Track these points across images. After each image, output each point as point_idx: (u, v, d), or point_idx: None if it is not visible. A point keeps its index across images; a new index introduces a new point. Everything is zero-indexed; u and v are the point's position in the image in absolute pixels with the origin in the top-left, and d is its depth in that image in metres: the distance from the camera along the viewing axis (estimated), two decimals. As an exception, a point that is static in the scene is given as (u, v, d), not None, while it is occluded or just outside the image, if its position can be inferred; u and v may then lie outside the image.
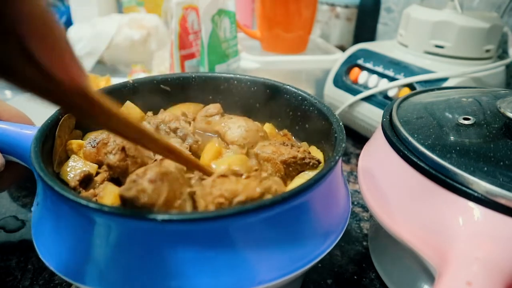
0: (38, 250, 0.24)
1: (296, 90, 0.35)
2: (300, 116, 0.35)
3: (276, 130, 0.37)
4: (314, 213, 0.24)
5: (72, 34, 0.76)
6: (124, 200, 0.21)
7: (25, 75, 0.13)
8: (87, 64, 0.74)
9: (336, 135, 0.28)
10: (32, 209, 0.27)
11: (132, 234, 0.20)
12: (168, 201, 0.22)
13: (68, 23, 0.86)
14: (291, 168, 0.30)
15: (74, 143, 0.30)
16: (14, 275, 0.33)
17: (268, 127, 0.36)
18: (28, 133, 0.28)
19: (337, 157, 0.25)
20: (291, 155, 0.29)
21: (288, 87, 0.35)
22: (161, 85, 0.37)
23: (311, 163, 0.30)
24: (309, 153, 0.31)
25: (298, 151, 0.30)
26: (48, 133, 0.27)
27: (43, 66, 0.13)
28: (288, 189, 0.22)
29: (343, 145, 0.26)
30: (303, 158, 0.30)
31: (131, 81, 0.36)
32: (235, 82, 0.37)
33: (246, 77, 0.37)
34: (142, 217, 0.20)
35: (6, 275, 0.33)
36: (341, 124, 0.29)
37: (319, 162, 0.30)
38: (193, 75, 0.38)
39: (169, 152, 0.23)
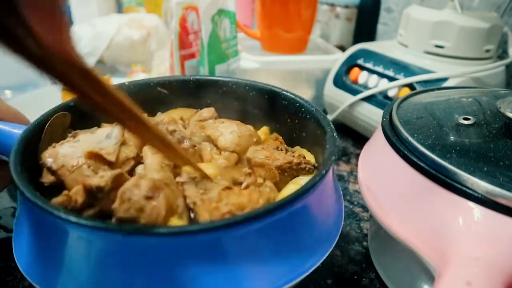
0: (19, 263, 0.23)
1: (293, 96, 0.34)
2: (296, 123, 0.34)
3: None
4: (307, 222, 0.23)
5: (72, 34, 0.76)
6: (121, 220, 0.20)
7: (20, 41, 0.14)
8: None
9: (328, 146, 0.27)
10: (14, 221, 0.26)
11: (119, 248, 0.19)
12: (166, 216, 0.21)
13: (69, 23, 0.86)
14: (286, 173, 0.29)
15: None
16: (14, 275, 0.33)
17: (263, 131, 0.36)
18: (19, 133, 0.28)
19: (327, 167, 0.24)
20: (286, 161, 0.29)
21: (286, 93, 0.34)
22: (158, 88, 0.36)
23: (306, 168, 0.29)
24: (304, 157, 0.30)
25: (293, 156, 0.29)
26: (35, 134, 0.27)
27: (37, 34, 0.14)
28: (281, 197, 0.22)
29: (333, 158, 0.25)
30: (299, 163, 0.29)
31: (126, 83, 0.35)
32: (233, 86, 0.37)
33: (245, 81, 0.36)
34: (130, 232, 0.18)
35: (6, 275, 0.33)
36: (335, 135, 0.28)
37: (315, 167, 0.30)
38: (191, 78, 0.37)
39: (165, 146, 0.22)
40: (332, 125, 0.29)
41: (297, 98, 0.33)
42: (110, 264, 0.19)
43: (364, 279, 0.34)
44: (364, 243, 0.38)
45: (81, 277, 0.20)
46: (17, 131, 0.28)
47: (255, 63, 0.60)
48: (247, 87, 0.36)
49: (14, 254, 0.24)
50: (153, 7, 0.90)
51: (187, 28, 0.54)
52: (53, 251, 0.21)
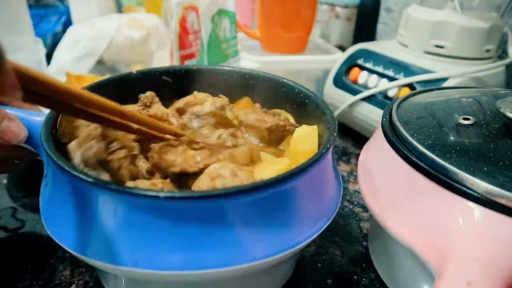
0: (48, 228, 0.25)
1: (292, 84, 0.36)
2: (296, 109, 0.36)
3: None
4: (304, 197, 0.25)
5: (72, 34, 0.76)
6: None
7: None
8: (87, 64, 0.74)
9: (328, 125, 0.30)
10: (41, 190, 0.28)
11: (134, 209, 0.22)
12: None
13: (68, 23, 0.86)
14: (273, 133, 0.34)
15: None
16: (13, 275, 0.33)
17: (246, 100, 0.38)
18: (37, 120, 0.30)
19: (328, 145, 0.26)
20: (274, 123, 0.33)
21: (285, 80, 0.37)
22: (163, 76, 0.38)
23: (290, 130, 0.33)
24: (288, 120, 0.34)
25: (280, 120, 0.34)
26: (55, 118, 0.29)
27: None
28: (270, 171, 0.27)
29: (335, 134, 0.28)
30: (284, 126, 0.33)
31: (134, 72, 0.37)
32: (234, 75, 0.39)
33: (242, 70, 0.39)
34: (145, 194, 0.21)
35: (6, 275, 0.33)
36: (334, 116, 0.30)
37: (296, 127, 0.33)
38: (194, 67, 0.39)
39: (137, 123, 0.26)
40: (330, 107, 0.32)
41: (295, 85, 0.36)
42: (138, 224, 0.22)
43: (364, 279, 0.34)
44: (364, 243, 0.38)
45: (108, 234, 0.22)
46: (34, 118, 0.30)
47: (255, 63, 0.60)
48: (247, 76, 0.38)
49: (44, 221, 0.26)
50: (153, 7, 0.90)
51: (187, 28, 0.54)
52: (91, 217, 0.23)
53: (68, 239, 0.24)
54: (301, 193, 0.24)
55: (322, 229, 0.26)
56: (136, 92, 0.34)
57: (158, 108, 0.33)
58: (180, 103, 0.36)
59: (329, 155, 0.29)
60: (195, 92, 0.37)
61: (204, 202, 0.21)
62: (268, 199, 0.23)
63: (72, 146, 0.27)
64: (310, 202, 0.25)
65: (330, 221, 0.27)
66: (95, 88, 0.33)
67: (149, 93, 0.34)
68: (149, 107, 0.33)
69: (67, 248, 0.24)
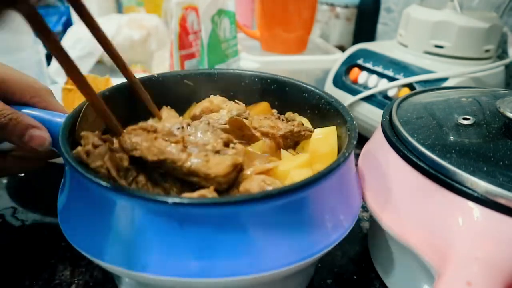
0: (66, 233, 0.25)
1: (313, 89, 0.36)
2: (316, 113, 0.36)
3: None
4: (324, 204, 0.24)
5: (72, 34, 0.76)
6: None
7: None
8: (87, 64, 0.74)
9: (349, 132, 0.29)
10: (59, 194, 0.28)
11: (149, 214, 0.22)
12: None
13: (68, 23, 0.86)
14: (288, 140, 0.33)
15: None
16: (13, 275, 0.33)
17: (264, 105, 0.38)
18: (59, 121, 0.30)
19: (347, 153, 0.26)
20: (288, 130, 0.33)
21: (306, 85, 0.36)
22: (185, 80, 0.38)
23: (305, 135, 0.33)
24: (303, 124, 0.34)
25: (294, 125, 0.33)
26: (75, 121, 0.29)
27: None
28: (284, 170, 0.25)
29: (355, 142, 0.27)
30: (299, 131, 0.33)
31: (156, 75, 0.37)
32: (256, 79, 0.38)
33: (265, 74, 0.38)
34: (158, 200, 0.21)
35: (6, 275, 0.33)
36: (355, 123, 0.30)
37: (311, 131, 0.33)
38: (215, 71, 0.39)
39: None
40: (351, 114, 0.31)
41: (317, 90, 0.35)
42: (155, 230, 0.22)
43: (364, 279, 0.34)
44: (364, 243, 0.38)
45: (125, 239, 0.22)
46: (56, 119, 0.31)
47: (255, 63, 0.60)
48: (268, 80, 0.38)
49: (61, 226, 0.26)
50: (153, 7, 0.90)
51: (187, 28, 0.54)
52: (110, 223, 0.23)
53: (86, 244, 0.24)
54: (319, 200, 0.24)
55: (343, 236, 0.25)
56: (157, 95, 0.35)
57: (167, 119, 0.33)
58: (196, 109, 0.36)
59: (349, 163, 0.28)
60: (212, 96, 0.37)
61: (217, 208, 0.21)
62: (285, 206, 0.22)
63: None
64: (330, 208, 0.25)
65: (351, 227, 0.26)
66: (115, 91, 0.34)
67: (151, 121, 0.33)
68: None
69: (84, 253, 0.24)
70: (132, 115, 0.33)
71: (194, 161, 0.25)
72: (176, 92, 0.37)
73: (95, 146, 0.26)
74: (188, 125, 0.30)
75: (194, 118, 0.35)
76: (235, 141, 0.29)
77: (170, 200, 0.21)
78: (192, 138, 0.28)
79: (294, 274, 0.25)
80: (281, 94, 0.38)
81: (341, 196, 0.26)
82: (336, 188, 0.26)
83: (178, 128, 0.29)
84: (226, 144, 0.28)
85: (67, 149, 0.25)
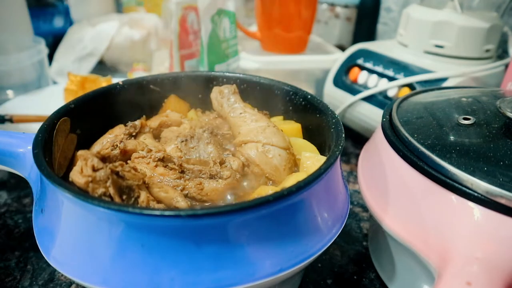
0: (54, 263, 0.23)
1: (289, 88, 0.36)
2: (300, 113, 0.36)
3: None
4: (313, 209, 0.24)
5: (72, 34, 0.76)
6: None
7: None
8: (88, 64, 0.74)
9: (334, 134, 0.29)
10: (34, 216, 0.26)
11: (137, 229, 0.21)
12: None
13: (68, 23, 0.86)
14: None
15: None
16: (13, 275, 0.33)
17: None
18: (17, 142, 0.28)
19: (335, 154, 0.25)
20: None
21: (279, 84, 0.36)
22: (151, 86, 0.37)
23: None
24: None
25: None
26: (46, 138, 0.27)
27: None
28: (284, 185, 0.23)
29: (341, 146, 0.27)
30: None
31: (120, 83, 0.36)
32: (225, 80, 0.38)
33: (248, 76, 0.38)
34: (141, 212, 0.20)
35: (6, 275, 0.33)
36: (340, 123, 0.30)
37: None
38: (182, 74, 0.38)
39: None
40: (338, 119, 0.31)
41: (288, 88, 0.36)
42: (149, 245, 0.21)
43: (364, 279, 0.34)
44: (364, 243, 0.38)
45: (105, 258, 0.21)
46: (14, 140, 0.29)
47: (254, 63, 0.60)
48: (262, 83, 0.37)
49: (41, 249, 0.24)
50: (153, 7, 0.90)
51: (187, 28, 0.54)
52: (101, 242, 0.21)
53: (83, 272, 0.22)
54: (309, 205, 0.24)
55: (333, 240, 0.25)
56: (124, 102, 0.35)
57: (142, 139, 0.32)
58: (154, 122, 0.35)
59: (334, 170, 0.27)
60: (168, 111, 0.36)
61: (206, 219, 0.20)
62: (274, 214, 0.22)
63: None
64: (321, 212, 0.24)
65: (341, 229, 0.26)
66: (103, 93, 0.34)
67: (138, 122, 0.33)
68: (134, 137, 0.32)
69: (82, 283, 0.22)
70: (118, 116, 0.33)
71: (189, 191, 0.27)
72: (143, 99, 0.37)
73: (96, 170, 0.23)
74: (192, 137, 0.31)
75: (156, 131, 0.34)
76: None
77: (148, 212, 0.20)
78: (193, 154, 0.30)
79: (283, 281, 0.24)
80: (253, 93, 0.37)
81: (330, 198, 0.26)
82: (324, 190, 0.25)
83: (182, 141, 0.31)
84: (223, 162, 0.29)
85: (48, 172, 0.22)
